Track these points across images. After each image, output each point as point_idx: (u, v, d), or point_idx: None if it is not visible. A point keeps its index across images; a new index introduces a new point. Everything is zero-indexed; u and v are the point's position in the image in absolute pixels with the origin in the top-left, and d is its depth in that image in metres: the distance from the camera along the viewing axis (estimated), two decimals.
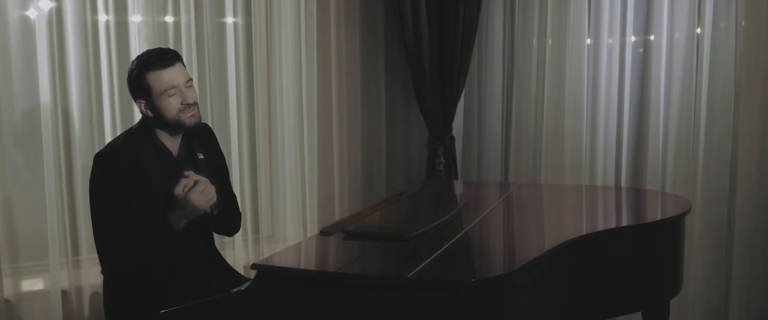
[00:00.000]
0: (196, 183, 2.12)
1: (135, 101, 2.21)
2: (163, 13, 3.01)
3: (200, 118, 2.22)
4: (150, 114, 2.17)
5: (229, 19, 3.14)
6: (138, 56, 2.21)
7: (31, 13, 2.78)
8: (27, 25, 2.79)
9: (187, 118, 2.17)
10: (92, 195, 2.16)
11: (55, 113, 2.79)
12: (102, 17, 2.86)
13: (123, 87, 2.90)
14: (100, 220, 2.14)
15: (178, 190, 2.10)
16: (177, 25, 3.01)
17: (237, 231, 2.48)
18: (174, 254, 2.17)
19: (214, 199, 2.15)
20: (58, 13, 2.78)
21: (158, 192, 2.15)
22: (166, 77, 2.14)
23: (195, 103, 2.19)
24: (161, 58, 2.15)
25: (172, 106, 2.14)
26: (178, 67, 2.17)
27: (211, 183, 2.16)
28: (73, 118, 2.83)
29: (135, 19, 2.91)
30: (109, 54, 2.87)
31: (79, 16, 2.82)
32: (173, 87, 2.14)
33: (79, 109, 2.84)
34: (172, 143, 2.24)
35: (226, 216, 2.37)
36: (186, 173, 2.13)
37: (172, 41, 2.98)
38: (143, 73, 2.14)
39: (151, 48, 2.25)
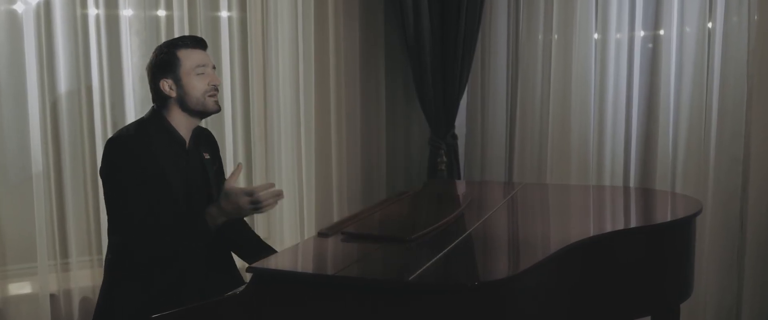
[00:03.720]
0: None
1: (158, 82, 2.22)
2: (155, 6, 3.01)
3: (220, 107, 2.30)
4: (174, 94, 2.22)
5: (224, 13, 3.14)
6: (166, 41, 2.31)
7: (19, 6, 2.78)
8: (14, 20, 2.79)
9: (211, 102, 2.25)
10: (105, 181, 2.17)
11: (44, 111, 2.79)
12: (92, 11, 2.86)
13: (114, 83, 2.92)
14: (117, 208, 2.15)
15: (230, 183, 2.15)
16: (169, 19, 3.01)
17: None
18: (200, 245, 2.19)
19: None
20: (46, 7, 2.78)
21: (171, 182, 2.18)
22: (197, 55, 2.24)
23: (218, 90, 2.28)
24: (193, 39, 2.28)
25: (199, 85, 2.22)
26: (207, 53, 2.29)
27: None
28: (61, 116, 2.83)
29: (126, 12, 2.91)
30: (99, 49, 2.87)
31: (68, 10, 2.82)
32: (203, 66, 2.24)
33: (68, 107, 2.84)
34: (185, 131, 2.28)
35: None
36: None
37: (165, 36, 2.98)
38: (174, 50, 2.23)
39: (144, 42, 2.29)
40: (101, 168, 2.20)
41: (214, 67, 2.30)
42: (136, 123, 2.28)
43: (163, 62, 2.22)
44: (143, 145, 2.16)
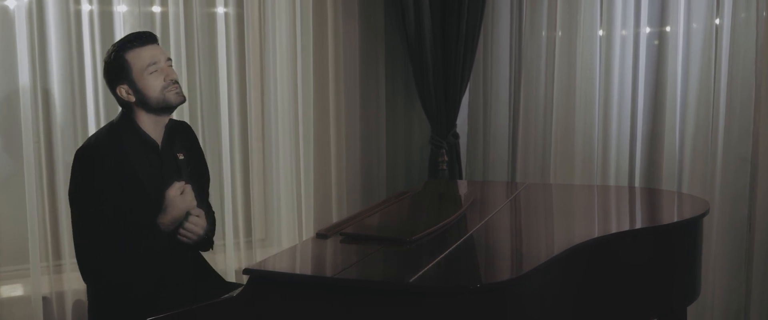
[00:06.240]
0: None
1: (115, 90, 2.21)
2: (150, 2, 3.01)
3: (185, 97, 2.26)
4: (133, 98, 2.19)
5: (220, 9, 3.14)
6: (113, 44, 2.24)
7: (11, 2, 2.78)
8: (6, 16, 2.79)
9: (173, 95, 2.21)
10: (74, 196, 2.15)
11: (36, 109, 2.78)
12: (85, 7, 2.85)
13: None
14: (83, 225, 2.12)
15: (173, 192, 2.13)
16: (165, 15, 3.01)
17: (210, 248, 2.44)
18: (161, 263, 2.17)
19: (194, 204, 2.19)
20: (39, 3, 2.77)
21: (146, 189, 2.16)
22: (145, 54, 2.18)
23: (177, 82, 2.23)
24: (138, 37, 2.20)
25: (155, 83, 2.18)
26: (156, 46, 2.23)
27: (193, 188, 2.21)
28: (54, 114, 2.82)
29: (120, 9, 2.90)
30: (92, 46, 2.86)
31: (61, 6, 2.81)
32: (154, 63, 2.18)
33: (61, 105, 2.83)
34: (156, 132, 2.25)
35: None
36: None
37: (160, 33, 2.97)
38: (121, 53, 2.17)
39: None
40: (73, 181, 2.14)
41: (169, 60, 2.24)
42: (106, 128, 2.25)
43: (115, 68, 2.18)
44: (116, 154, 2.14)
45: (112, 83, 2.21)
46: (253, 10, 3.26)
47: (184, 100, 2.26)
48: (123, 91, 2.19)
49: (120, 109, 2.86)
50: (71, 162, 2.84)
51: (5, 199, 2.86)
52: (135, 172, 2.15)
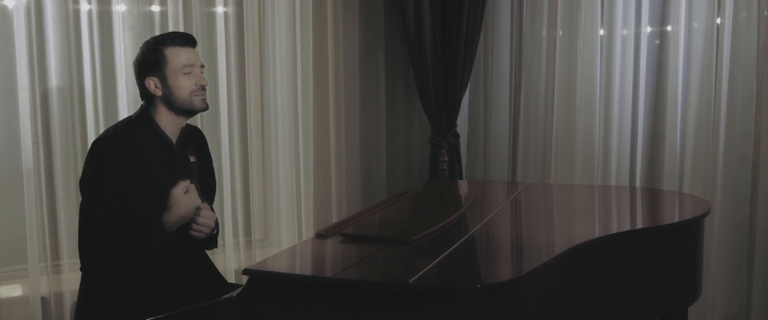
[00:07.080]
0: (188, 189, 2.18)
1: (143, 80, 2.22)
2: (149, 2, 3.01)
3: (208, 106, 2.30)
4: (159, 92, 2.20)
5: (220, 9, 3.14)
6: (153, 36, 2.28)
7: (9, 2, 2.78)
8: (4, 15, 2.79)
9: (198, 101, 2.24)
10: (83, 184, 2.16)
11: (34, 109, 2.78)
12: (84, 7, 2.85)
13: (106, 81, 2.91)
14: (90, 214, 2.13)
15: (178, 191, 2.14)
16: (164, 14, 3.01)
17: (214, 246, 2.47)
18: (160, 262, 2.17)
19: (198, 202, 2.20)
20: (38, 2, 2.77)
21: (157, 186, 2.16)
22: (184, 54, 2.22)
23: (205, 89, 2.27)
24: (180, 37, 2.26)
25: (186, 85, 2.21)
26: (195, 50, 2.27)
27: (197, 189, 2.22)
28: (53, 115, 2.82)
29: (119, 8, 2.90)
30: (91, 46, 2.86)
31: (60, 6, 2.82)
32: (190, 65, 2.22)
33: (59, 105, 2.83)
34: (173, 132, 2.26)
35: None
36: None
37: (159, 32, 2.97)
38: (161, 47, 2.21)
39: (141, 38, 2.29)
40: (84, 170, 2.16)
41: (202, 66, 2.28)
42: (124, 123, 2.26)
43: (150, 60, 2.20)
44: (132, 148, 2.15)
45: (142, 73, 2.22)
46: (253, 10, 3.26)
47: (207, 108, 2.29)
48: (151, 83, 2.21)
49: (120, 110, 2.89)
50: (70, 163, 2.87)
51: (4, 200, 2.86)
52: (147, 169, 2.16)
